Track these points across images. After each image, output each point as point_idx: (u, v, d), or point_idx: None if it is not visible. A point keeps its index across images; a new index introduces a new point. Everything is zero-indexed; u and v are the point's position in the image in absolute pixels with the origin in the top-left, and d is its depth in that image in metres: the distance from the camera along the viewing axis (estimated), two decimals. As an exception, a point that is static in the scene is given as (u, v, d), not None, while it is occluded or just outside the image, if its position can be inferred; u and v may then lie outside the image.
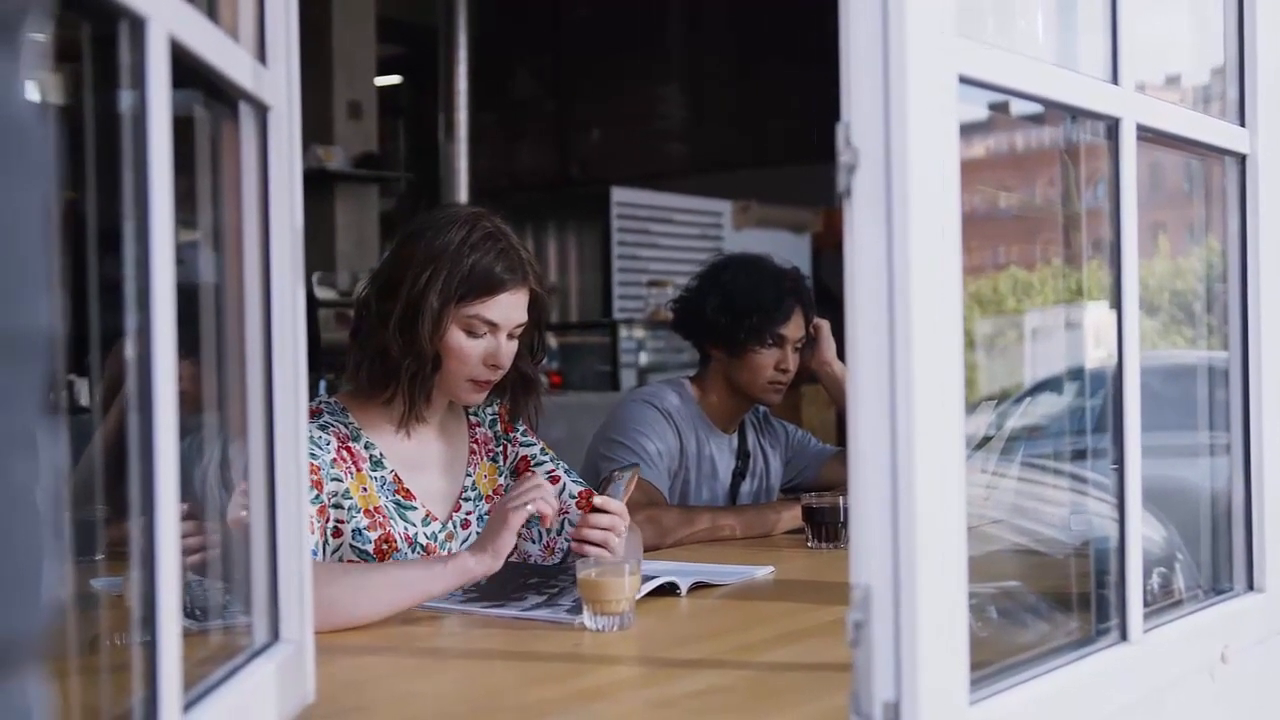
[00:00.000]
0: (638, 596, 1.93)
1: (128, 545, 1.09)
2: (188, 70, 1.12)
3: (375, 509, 2.21)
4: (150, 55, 1.01)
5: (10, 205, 0.58)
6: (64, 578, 0.63)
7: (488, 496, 2.38)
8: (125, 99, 1.03)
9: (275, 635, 1.38)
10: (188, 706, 1.10)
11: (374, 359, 2.22)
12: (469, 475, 2.37)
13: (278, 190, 1.38)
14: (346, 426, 2.24)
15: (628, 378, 7.58)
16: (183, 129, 1.10)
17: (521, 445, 2.45)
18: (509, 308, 2.23)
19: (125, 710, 1.05)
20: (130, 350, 1.03)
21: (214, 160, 1.36)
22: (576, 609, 1.92)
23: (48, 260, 0.61)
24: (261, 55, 1.36)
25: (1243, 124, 1.83)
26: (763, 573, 2.37)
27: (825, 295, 4.10)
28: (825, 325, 3.15)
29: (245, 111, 1.35)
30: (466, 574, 1.99)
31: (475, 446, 2.40)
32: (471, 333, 2.21)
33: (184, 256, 1.11)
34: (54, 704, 0.65)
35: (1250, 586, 1.83)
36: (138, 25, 1.00)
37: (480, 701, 1.58)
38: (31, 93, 0.61)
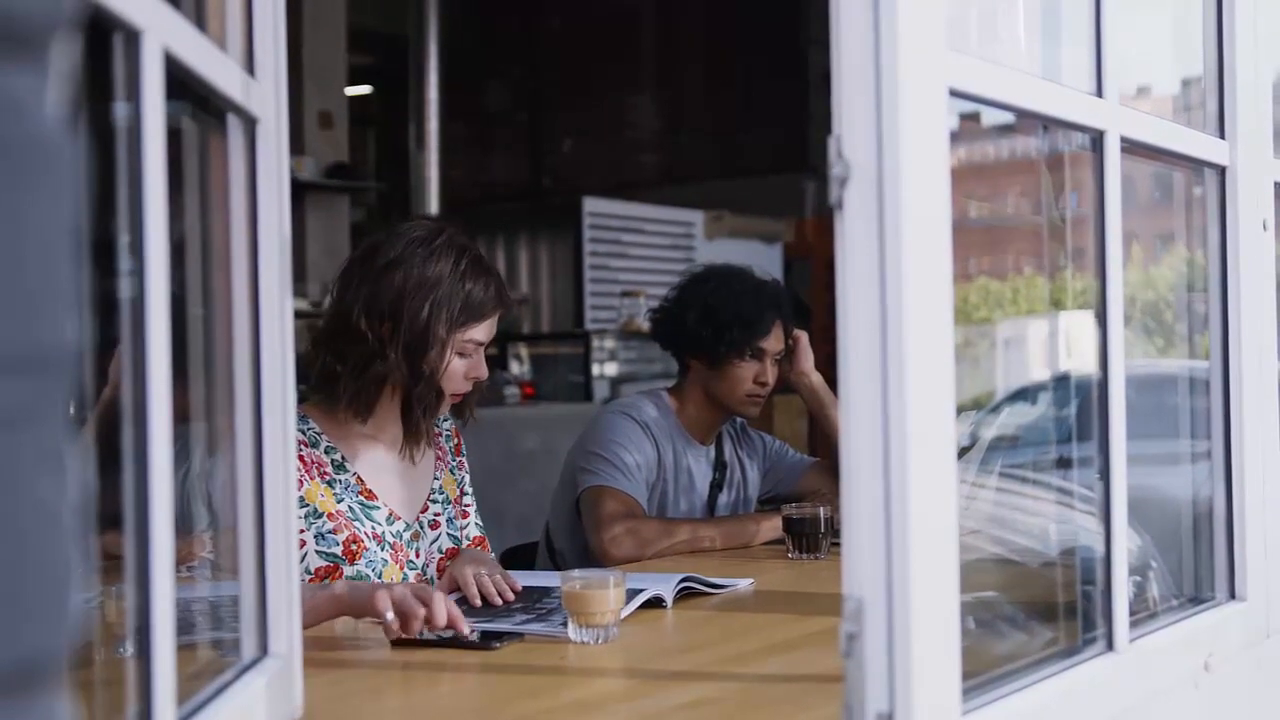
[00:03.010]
0: (627, 613, 1.93)
1: (111, 559, 1.09)
2: (178, 82, 1.12)
3: (337, 512, 2.25)
4: (145, 67, 1.01)
5: (39, 221, 0.58)
6: (88, 594, 0.62)
7: (454, 501, 2.47)
8: (118, 110, 1.03)
9: (264, 650, 1.37)
10: (180, 723, 1.09)
11: (374, 385, 2.27)
12: (436, 479, 2.45)
13: (266, 202, 1.38)
14: (305, 433, 2.28)
15: (600, 389, 7.56)
16: (170, 140, 1.09)
17: (465, 471, 2.56)
18: (493, 326, 2.36)
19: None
20: (124, 362, 1.02)
21: (201, 172, 1.35)
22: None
23: (74, 277, 0.61)
24: (250, 67, 1.36)
25: (1222, 136, 1.84)
26: (745, 584, 2.37)
27: (798, 305, 4.11)
28: (803, 336, 3.16)
29: (233, 123, 1.34)
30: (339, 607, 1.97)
31: (440, 453, 2.49)
32: (462, 354, 2.31)
33: (170, 268, 1.10)
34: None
35: (1232, 595, 1.84)
36: (132, 37, 1.00)
37: (468, 716, 1.58)
38: (57, 109, 0.61)
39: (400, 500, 2.36)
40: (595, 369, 7.64)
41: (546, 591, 2.21)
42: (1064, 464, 1.93)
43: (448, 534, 2.43)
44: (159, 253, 1.03)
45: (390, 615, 1.82)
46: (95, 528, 1.12)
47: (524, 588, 2.23)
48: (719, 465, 3.19)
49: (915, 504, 1.17)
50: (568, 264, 8.39)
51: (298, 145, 7.49)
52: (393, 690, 1.71)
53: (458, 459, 2.54)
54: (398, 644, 1.89)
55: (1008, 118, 1.58)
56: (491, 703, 1.62)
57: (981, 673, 1.35)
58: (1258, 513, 1.86)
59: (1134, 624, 1.59)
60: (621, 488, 2.88)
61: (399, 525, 2.34)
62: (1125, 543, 1.55)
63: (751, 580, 2.39)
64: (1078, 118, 1.52)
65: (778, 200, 8.91)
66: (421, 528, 2.39)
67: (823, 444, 3.38)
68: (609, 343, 7.77)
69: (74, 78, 0.64)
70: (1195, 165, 1.86)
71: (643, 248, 8.46)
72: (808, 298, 8.02)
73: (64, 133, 0.61)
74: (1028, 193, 2.00)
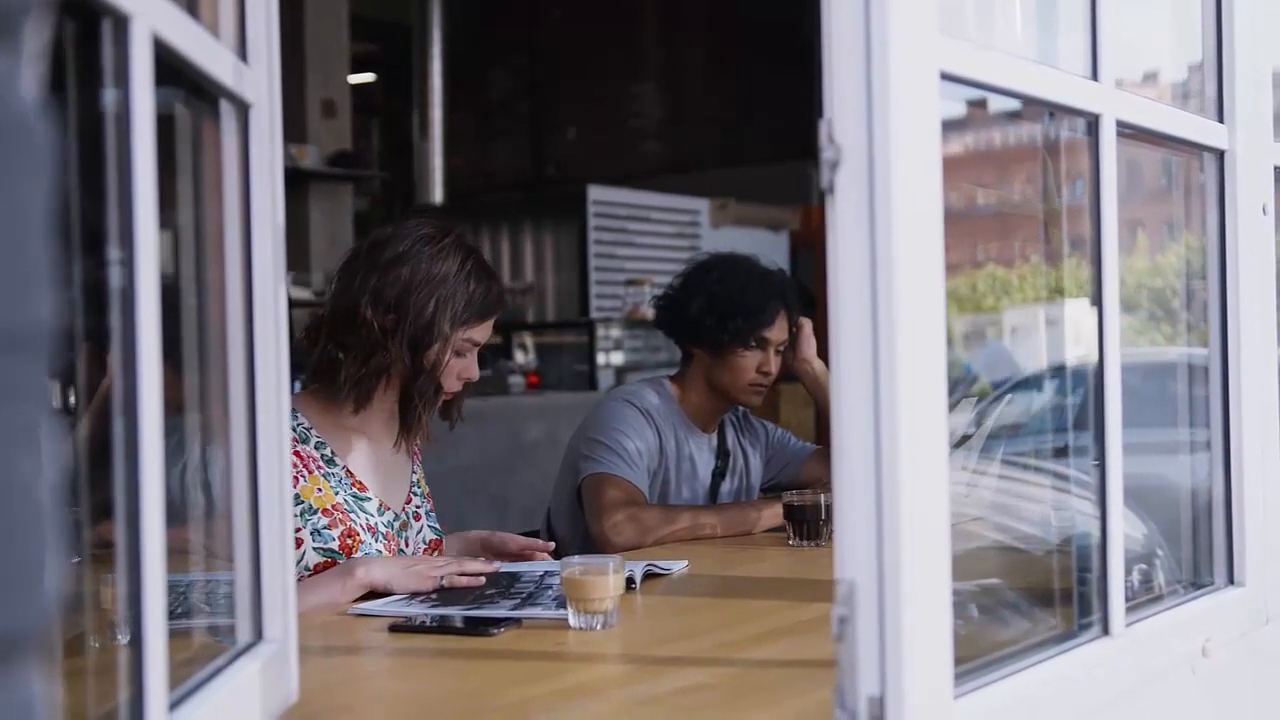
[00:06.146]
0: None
1: (107, 547, 1.09)
2: (169, 68, 1.12)
3: (333, 506, 2.28)
4: (134, 53, 1.01)
5: (15, 201, 0.58)
6: (65, 573, 0.63)
7: (427, 495, 2.52)
8: (108, 97, 1.03)
9: (259, 635, 1.38)
10: (173, 706, 1.10)
11: (374, 376, 2.30)
12: (414, 473, 2.50)
13: (259, 189, 1.38)
14: (295, 429, 2.29)
15: (605, 377, 7.56)
16: (162, 127, 1.09)
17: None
18: (490, 328, 2.40)
19: (111, 710, 1.05)
20: (113, 351, 1.02)
21: (194, 159, 1.35)
22: (562, 603, 1.92)
23: (50, 256, 0.61)
24: (242, 53, 1.36)
25: (1221, 120, 1.84)
26: (678, 567, 2.39)
27: (802, 293, 4.11)
28: (807, 324, 3.16)
29: (226, 110, 1.34)
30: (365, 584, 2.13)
31: (416, 450, 2.53)
32: (458, 353, 2.35)
33: (162, 256, 1.10)
34: (56, 698, 0.65)
35: (1230, 581, 1.84)
36: (121, 23, 1.00)
37: (464, 701, 1.58)
38: (32, 90, 0.61)
39: (387, 492, 2.40)
40: (600, 358, 7.65)
41: (516, 577, 2.22)
42: (1068, 451, 1.92)
43: (429, 526, 2.49)
44: (149, 241, 1.03)
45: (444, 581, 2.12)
46: (95, 516, 1.12)
47: (497, 573, 2.25)
48: (722, 453, 3.19)
49: (906, 487, 1.17)
50: (572, 253, 8.38)
51: (301, 134, 7.49)
52: (389, 676, 1.71)
53: (419, 462, 2.58)
54: (394, 630, 1.89)
55: (1015, 104, 1.58)
56: (489, 688, 1.62)
57: (977, 657, 1.35)
58: (1257, 499, 1.86)
59: (1131, 609, 1.59)
60: (623, 475, 2.88)
61: (389, 516, 2.37)
62: (1121, 527, 1.55)
63: (686, 562, 2.42)
64: (1072, 101, 1.52)
65: (783, 188, 8.91)
66: (408, 518, 2.44)
67: (827, 432, 3.38)
68: (614, 332, 7.77)
69: (47, 59, 0.65)
70: (1194, 150, 1.85)
71: (648, 236, 8.46)
72: (814, 286, 8.02)
73: (38, 114, 0.61)
74: (1035, 180, 2.00)
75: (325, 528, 2.25)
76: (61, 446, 0.65)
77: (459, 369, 2.35)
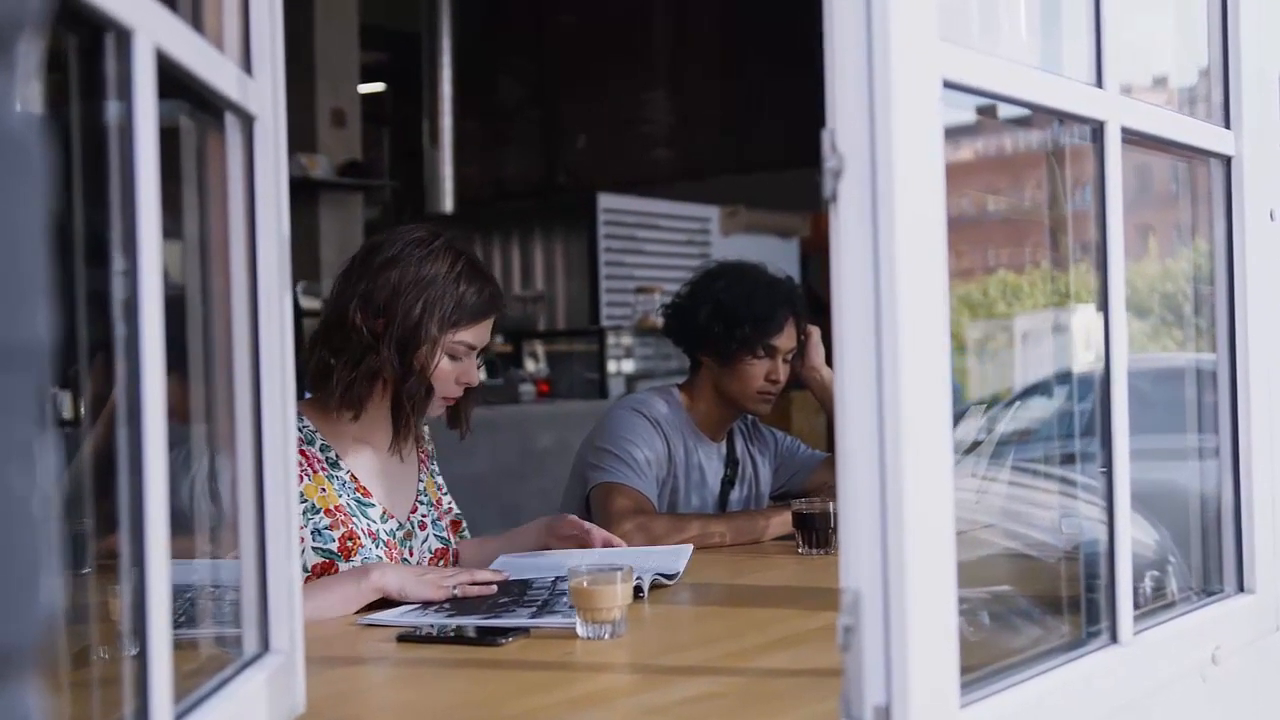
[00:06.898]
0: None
1: (116, 558, 1.09)
2: (173, 81, 1.12)
3: (336, 508, 2.29)
4: (136, 66, 1.01)
5: (9, 217, 0.58)
6: (61, 588, 0.63)
7: (435, 504, 2.51)
8: (111, 109, 1.03)
9: (265, 646, 1.38)
10: (179, 717, 1.10)
11: (366, 380, 2.30)
12: (420, 481, 2.49)
13: (264, 200, 1.38)
14: (301, 431, 2.30)
15: (616, 385, 7.56)
16: (167, 139, 1.10)
17: (438, 474, 2.59)
18: (487, 331, 2.39)
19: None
20: (118, 362, 1.03)
21: (199, 171, 1.36)
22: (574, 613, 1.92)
23: (45, 272, 0.62)
24: (247, 65, 1.36)
25: (1228, 126, 1.83)
26: (685, 554, 2.42)
27: (813, 300, 4.11)
28: (815, 331, 3.15)
29: (231, 122, 1.35)
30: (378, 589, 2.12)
31: (423, 457, 2.53)
32: (453, 356, 2.34)
33: (168, 268, 1.10)
34: (50, 713, 0.65)
35: (1240, 588, 1.83)
36: (124, 36, 1.00)
37: (472, 711, 1.58)
38: (28, 105, 0.62)
39: (392, 500, 2.40)
40: (611, 366, 7.65)
41: (528, 584, 2.22)
42: (1078, 458, 1.92)
43: (434, 535, 2.48)
44: (152, 253, 1.03)
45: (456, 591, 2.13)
46: (104, 528, 1.13)
47: (509, 582, 2.25)
48: (731, 461, 3.19)
49: (910, 495, 1.16)
50: (583, 261, 8.38)
51: (310, 143, 7.50)
52: (398, 686, 1.71)
53: (433, 464, 2.58)
54: (402, 640, 1.89)
55: (1025, 110, 1.57)
56: (497, 698, 1.62)
57: (984, 665, 1.35)
58: (1266, 505, 1.85)
59: (1141, 617, 1.58)
60: (631, 484, 2.88)
61: (392, 524, 2.37)
62: (1129, 534, 1.55)
63: (690, 547, 2.45)
64: (1076, 108, 1.51)
65: (794, 195, 8.89)
66: (412, 527, 2.43)
67: (837, 439, 3.37)
68: (624, 339, 7.77)
69: (44, 74, 0.65)
70: (1201, 156, 1.85)
71: (658, 244, 8.45)
72: (825, 293, 7.99)
73: (34, 130, 0.61)
74: (1046, 185, 2.00)
75: (326, 528, 2.25)
76: (62, 460, 0.65)
77: (456, 373, 2.35)
